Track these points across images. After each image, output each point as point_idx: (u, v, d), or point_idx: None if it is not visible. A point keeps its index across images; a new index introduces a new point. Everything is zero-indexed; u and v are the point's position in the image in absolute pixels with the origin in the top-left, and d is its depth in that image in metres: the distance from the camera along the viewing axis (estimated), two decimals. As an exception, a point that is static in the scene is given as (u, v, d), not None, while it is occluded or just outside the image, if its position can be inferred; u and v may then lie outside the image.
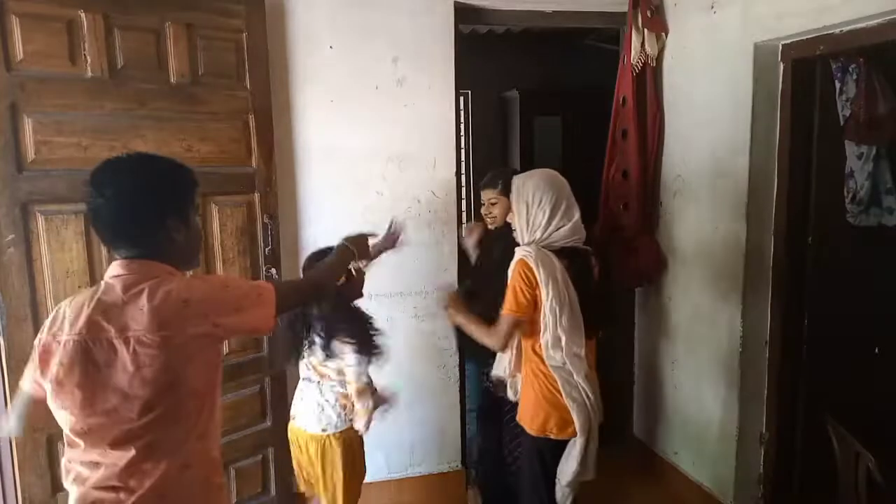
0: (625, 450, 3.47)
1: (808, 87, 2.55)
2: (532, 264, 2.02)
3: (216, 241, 2.52)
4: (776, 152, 2.59)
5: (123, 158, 1.39)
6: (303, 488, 2.32)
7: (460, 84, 2.99)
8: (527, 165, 5.28)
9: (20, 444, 2.14)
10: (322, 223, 2.82)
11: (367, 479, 2.39)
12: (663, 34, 3.02)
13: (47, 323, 1.38)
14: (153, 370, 1.28)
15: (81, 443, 1.34)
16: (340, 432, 2.16)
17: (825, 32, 2.28)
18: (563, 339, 2.03)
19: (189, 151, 2.41)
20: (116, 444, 1.31)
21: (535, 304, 2.05)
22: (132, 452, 1.31)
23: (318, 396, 2.16)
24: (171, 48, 2.36)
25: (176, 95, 2.37)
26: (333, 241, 2.40)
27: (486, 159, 5.45)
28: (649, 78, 3.07)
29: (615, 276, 3.39)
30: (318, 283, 1.74)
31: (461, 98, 3.18)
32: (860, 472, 2.05)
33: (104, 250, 2.25)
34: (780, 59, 2.53)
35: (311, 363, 2.17)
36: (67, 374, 1.30)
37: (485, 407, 2.89)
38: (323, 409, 2.15)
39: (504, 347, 2.14)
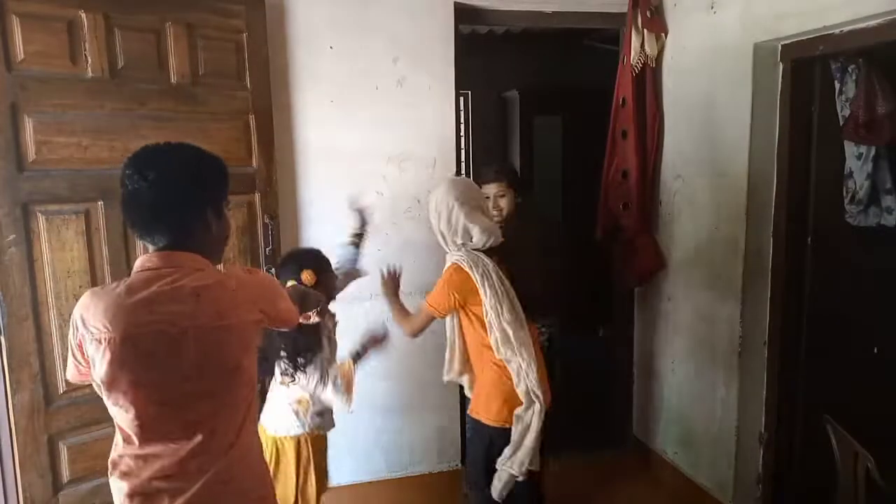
0: (624, 450, 3.47)
1: (808, 87, 2.56)
2: (466, 268, 2.12)
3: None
4: (775, 152, 2.59)
5: (169, 145, 1.37)
6: None
7: (460, 84, 3.00)
8: (527, 165, 5.30)
9: (21, 443, 2.14)
10: (322, 223, 2.82)
11: (366, 479, 2.38)
12: (663, 34, 3.02)
13: (78, 324, 1.33)
14: (215, 358, 1.31)
15: (137, 439, 1.32)
16: (290, 437, 2.10)
17: (825, 33, 2.28)
18: (511, 332, 2.12)
19: (189, 151, 2.41)
20: (178, 435, 1.31)
21: (459, 306, 2.19)
22: (196, 440, 1.31)
23: (283, 405, 2.12)
24: (172, 48, 2.36)
25: (176, 95, 2.38)
26: (332, 240, 2.43)
27: (487, 159, 5.45)
28: (649, 78, 3.07)
29: (615, 276, 3.41)
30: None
31: (461, 98, 3.18)
32: (859, 472, 2.05)
33: (105, 250, 2.26)
34: (779, 59, 2.53)
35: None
36: (119, 373, 1.27)
37: None
38: (282, 415, 2.11)
39: (414, 335, 2.30)
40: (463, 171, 4.42)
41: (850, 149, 2.64)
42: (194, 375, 1.30)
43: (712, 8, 2.71)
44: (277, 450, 2.11)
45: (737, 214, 2.64)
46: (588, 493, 3.13)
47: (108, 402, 1.33)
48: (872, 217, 2.65)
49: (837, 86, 2.57)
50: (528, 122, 5.27)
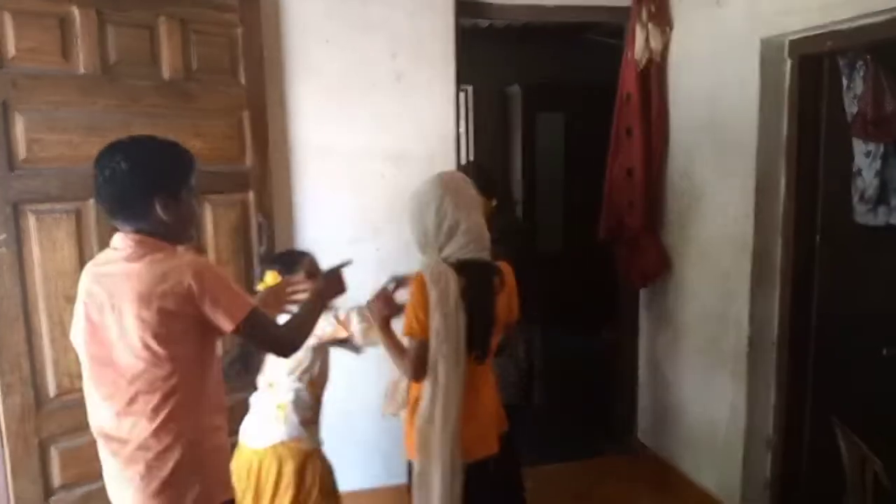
0: (629, 454, 3.44)
1: (816, 83, 2.52)
2: (426, 281, 1.84)
3: (210, 241, 2.49)
4: (783, 150, 2.56)
5: (121, 141, 1.52)
6: None
7: (461, 79, 2.96)
8: (529, 163, 5.26)
9: (12, 448, 2.12)
10: (318, 222, 2.79)
11: (364, 487, 2.35)
12: (668, 29, 2.98)
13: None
14: (132, 333, 1.42)
15: (88, 390, 1.54)
16: (276, 445, 2.06)
17: (833, 28, 2.25)
18: (441, 365, 1.82)
19: (183, 149, 2.38)
20: (105, 396, 1.49)
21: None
22: (118, 407, 1.47)
23: (263, 415, 2.09)
24: (165, 44, 2.33)
25: (169, 92, 2.34)
26: (331, 240, 2.40)
27: (487, 156, 5.41)
28: (654, 74, 3.02)
29: (620, 276, 3.37)
30: (288, 340, 1.65)
31: (461, 94, 3.14)
32: (868, 476, 2.02)
33: (96, 250, 2.22)
34: (786, 54, 2.50)
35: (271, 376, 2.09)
36: (77, 332, 1.53)
37: None
38: (264, 425, 2.07)
39: (417, 376, 1.88)
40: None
41: (858, 146, 2.59)
42: (116, 345, 1.45)
43: (718, 2, 2.67)
44: (259, 465, 2.04)
45: (744, 213, 2.60)
46: (592, 498, 3.09)
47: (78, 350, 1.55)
48: (882, 216, 2.60)
49: (845, 82, 2.52)
50: (530, 118, 5.23)
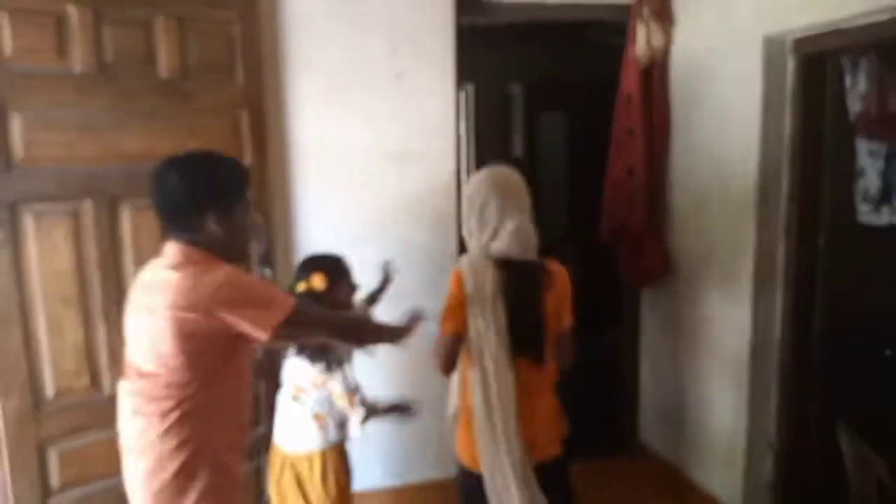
0: (631, 456, 3.42)
1: (819, 82, 2.50)
2: (462, 276, 1.81)
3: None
4: (786, 149, 2.53)
5: (178, 155, 1.58)
6: None
7: (461, 78, 2.94)
8: (530, 162, 5.24)
9: (11, 450, 2.12)
10: (317, 221, 2.77)
11: (363, 488, 2.34)
12: (670, 27, 2.96)
13: None
14: (162, 340, 1.45)
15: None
16: (311, 453, 2.07)
17: (837, 26, 2.23)
18: (489, 362, 1.79)
19: (179, 148, 2.33)
20: (138, 408, 1.53)
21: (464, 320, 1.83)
22: (140, 415, 1.52)
23: (295, 421, 2.09)
24: (162, 42, 2.31)
25: (166, 91, 2.33)
26: (331, 239, 2.39)
27: (488, 156, 5.40)
28: (656, 73, 3.00)
29: (622, 276, 3.35)
30: (345, 330, 1.74)
31: (462, 92, 3.13)
32: (871, 479, 2.01)
33: (94, 250, 2.22)
34: (790, 53, 2.47)
35: (295, 381, 2.09)
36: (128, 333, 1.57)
37: None
38: (298, 432, 2.08)
39: (448, 370, 1.87)
40: (464, 168, 4.38)
41: (861, 146, 2.58)
42: (147, 349, 1.49)
43: None
44: (300, 469, 2.07)
45: (747, 213, 2.58)
46: (594, 501, 3.07)
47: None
48: (885, 215, 2.60)
49: (849, 81, 2.51)
50: (531, 117, 5.22)
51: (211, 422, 1.54)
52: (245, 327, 1.47)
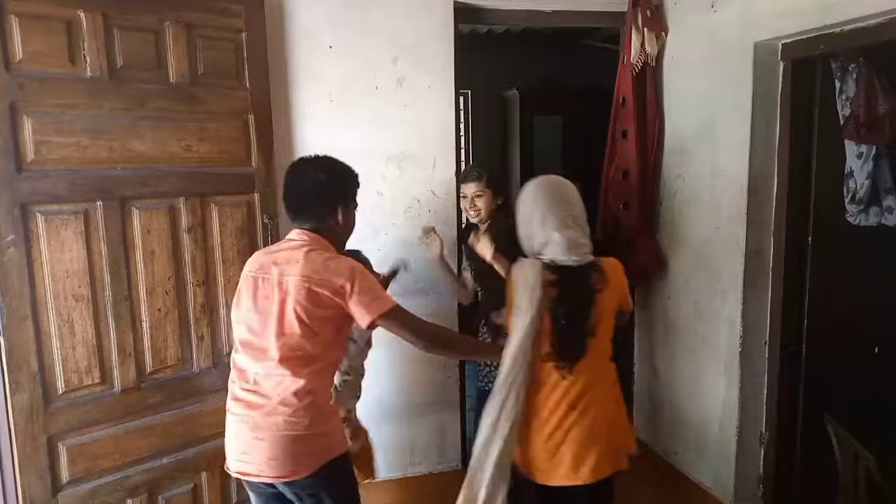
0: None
1: (808, 86, 2.56)
2: (514, 276, 1.87)
3: (215, 242, 2.52)
4: (776, 152, 2.59)
5: (314, 156, 1.95)
6: None
7: (460, 84, 2.99)
8: (527, 165, 5.30)
9: (21, 444, 2.13)
10: (322, 223, 2.81)
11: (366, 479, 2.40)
12: (663, 33, 3.02)
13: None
14: (293, 308, 1.74)
15: (238, 351, 1.86)
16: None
17: (825, 32, 2.28)
18: (512, 366, 1.81)
19: (188, 151, 2.41)
20: (261, 357, 1.79)
21: None
22: (271, 367, 1.78)
23: None
24: (171, 48, 2.35)
25: (175, 95, 2.37)
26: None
27: (487, 159, 5.45)
28: (649, 78, 3.06)
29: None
30: (428, 338, 1.88)
31: (461, 98, 3.18)
32: (860, 472, 2.04)
33: (104, 250, 2.25)
34: (780, 58, 2.53)
35: None
36: (243, 300, 1.87)
37: (477, 409, 2.93)
38: None
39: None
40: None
41: (850, 148, 2.63)
42: (277, 315, 1.76)
43: (713, 7, 2.71)
44: None
45: (737, 214, 2.64)
46: (588, 494, 3.11)
47: (233, 319, 1.91)
48: (873, 216, 2.64)
49: (838, 85, 2.56)
50: (528, 121, 5.26)
51: (328, 379, 1.87)
52: (358, 312, 1.76)
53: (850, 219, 2.65)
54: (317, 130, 2.80)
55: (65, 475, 2.23)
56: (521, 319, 1.80)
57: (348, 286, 1.75)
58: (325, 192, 1.88)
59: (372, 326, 1.79)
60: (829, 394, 2.57)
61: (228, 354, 2.55)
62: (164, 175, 2.37)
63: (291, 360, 1.76)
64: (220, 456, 2.21)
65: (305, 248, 1.79)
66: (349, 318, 1.81)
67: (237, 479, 1.92)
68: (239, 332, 1.87)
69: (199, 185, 2.45)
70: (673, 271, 3.10)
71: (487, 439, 1.81)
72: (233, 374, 1.88)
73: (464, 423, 3.19)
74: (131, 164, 2.29)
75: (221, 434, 2.52)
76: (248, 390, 1.82)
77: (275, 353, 1.77)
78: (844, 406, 2.34)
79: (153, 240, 2.36)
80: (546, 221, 1.85)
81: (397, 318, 1.81)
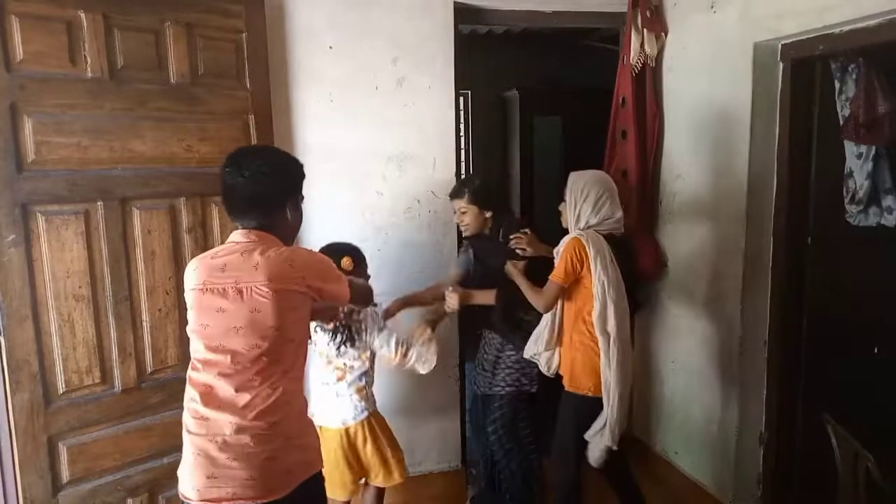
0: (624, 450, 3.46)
1: (808, 86, 2.56)
2: (584, 242, 2.31)
3: (216, 242, 2.52)
4: (775, 152, 2.59)
5: (258, 147, 1.86)
6: (342, 496, 2.41)
7: (460, 84, 3.00)
8: (527, 166, 5.31)
9: (21, 444, 2.13)
10: (322, 223, 2.82)
11: (364, 480, 2.41)
12: (663, 34, 3.02)
13: (185, 282, 1.73)
14: (260, 314, 1.60)
15: (196, 371, 1.67)
16: (362, 421, 2.38)
17: (825, 32, 2.29)
18: (611, 308, 2.28)
19: (189, 151, 2.41)
20: (227, 373, 1.62)
21: (577, 277, 2.34)
22: (241, 382, 1.62)
23: (334, 397, 2.36)
24: (171, 48, 2.35)
25: (176, 95, 2.37)
26: (334, 240, 2.43)
27: (486, 159, 5.46)
28: (648, 78, 3.07)
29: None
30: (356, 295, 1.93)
31: (461, 98, 3.18)
32: (860, 471, 2.05)
33: (104, 251, 2.25)
34: (779, 58, 2.54)
35: (336, 364, 2.37)
36: (196, 315, 1.67)
37: (473, 411, 2.97)
38: (341, 407, 2.36)
39: (548, 309, 2.44)
40: (463, 172, 4.43)
41: (850, 148, 2.62)
42: (242, 325, 1.60)
43: (712, 7, 2.71)
44: (351, 440, 2.38)
45: (737, 214, 2.64)
46: (586, 491, 3.11)
47: (190, 335, 1.71)
48: (872, 217, 2.64)
49: (837, 85, 2.56)
50: (528, 121, 5.27)
51: (302, 384, 1.76)
52: (335, 294, 1.74)
53: (849, 219, 2.65)
54: (317, 131, 2.81)
55: (65, 475, 2.23)
56: (608, 279, 2.28)
57: (320, 274, 1.70)
58: (272, 189, 1.70)
59: (352, 301, 1.84)
60: (828, 394, 2.57)
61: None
62: (164, 175, 2.37)
63: (263, 371, 1.62)
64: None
65: (259, 249, 1.63)
66: (309, 312, 1.73)
67: None
68: (197, 350, 1.67)
69: (200, 185, 2.45)
70: (672, 271, 3.10)
71: (625, 377, 2.32)
72: (191, 393, 1.68)
73: (464, 423, 3.20)
74: (132, 165, 2.29)
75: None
76: (215, 408, 1.63)
77: (245, 365, 1.62)
78: (844, 406, 2.34)
79: (154, 240, 2.36)
80: (609, 202, 2.37)
81: (356, 290, 1.87)
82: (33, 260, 2.14)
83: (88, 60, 2.20)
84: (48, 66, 2.14)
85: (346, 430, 2.36)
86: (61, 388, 2.20)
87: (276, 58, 2.69)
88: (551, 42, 4.91)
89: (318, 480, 1.77)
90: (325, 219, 2.83)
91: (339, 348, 2.32)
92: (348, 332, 2.33)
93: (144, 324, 2.36)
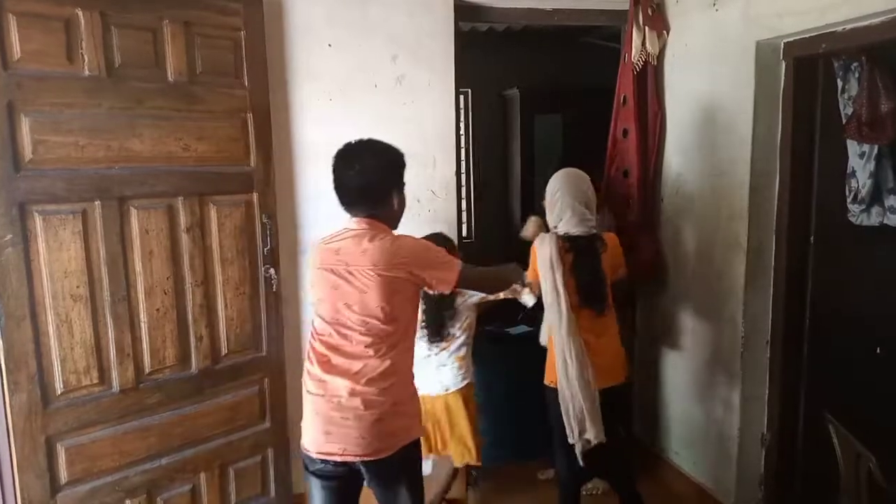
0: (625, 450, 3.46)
1: (810, 85, 2.55)
2: (534, 247, 2.43)
3: (214, 241, 2.52)
4: (778, 151, 2.58)
5: (362, 140, 1.89)
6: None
7: (460, 82, 2.99)
8: (527, 164, 5.29)
9: (19, 445, 2.13)
10: (321, 221, 2.80)
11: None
12: (664, 32, 3.01)
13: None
14: (366, 296, 1.78)
15: (316, 341, 1.88)
16: (459, 389, 2.60)
17: (827, 30, 2.28)
18: (548, 310, 2.41)
19: (186, 150, 2.40)
20: (336, 344, 1.83)
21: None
22: (348, 352, 1.82)
23: (436, 367, 2.60)
24: (169, 46, 2.34)
25: (173, 94, 2.36)
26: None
27: (487, 158, 5.44)
28: (650, 76, 3.06)
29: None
30: (488, 282, 2.13)
31: (461, 96, 3.17)
32: (861, 472, 2.04)
33: (102, 250, 2.24)
34: (782, 57, 2.52)
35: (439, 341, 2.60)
36: (314, 290, 1.91)
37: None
38: (443, 374, 2.60)
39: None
40: (463, 171, 4.41)
41: (852, 147, 2.61)
42: (354, 303, 1.79)
43: (714, 5, 2.70)
44: (448, 407, 2.61)
45: (739, 213, 2.63)
46: (588, 493, 3.11)
47: (313, 309, 1.94)
48: (875, 216, 2.63)
49: (840, 84, 2.55)
50: (528, 120, 5.25)
51: (410, 358, 1.92)
52: (436, 282, 1.83)
53: (851, 218, 2.64)
54: (316, 129, 2.79)
55: (63, 476, 2.23)
56: (546, 283, 2.38)
57: (422, 262, 1.82)
58: (379, 180, 1.87)
59: (455, 287, 1.88)
60: (830, 394, 2.56)
61: (227, 355, 2.58)
62: (162, 174, 2.36)
63: (374, 344, 1.80)
64: (219, 456, 2.20)
65: (369, 236, 1.80)
66: (418, 297, 1.90)
67: (316, 460, 1.86)
68: (318, 322, 1.89)
69: (198, 184, 2.44)
70: (674, 270, 3.09)
71: (566, 369, 2.37)
72: (312, 359, 1.88)
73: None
74: (129, 164, 2.29)
75: (220, 434, 2.55)
76: (333, 373, 1.83)
77: (357, 338, 1.81)
78: (846, 406, 2.33)
79: (151, 239, 2.35)
80: (564, 199, 2.42)
81: (467, 279, 1.91)
82: (31, 260, 2.13)
83: (86, 59, 2.19)
84: (45, 65, 2.13)
85: (447, 397, 2.59)
86: (59, 388, 2.20)
87: (275, 56, 2.68)
88: (552, 40, 4.89)
89: (417, 446, 1.94)
90: (325, 218, 2.80)
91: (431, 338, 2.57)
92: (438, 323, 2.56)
93: (142, 324, 2.35)
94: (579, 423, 2.38)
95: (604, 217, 2.96)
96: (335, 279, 1.82)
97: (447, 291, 1.88)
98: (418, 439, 1.94)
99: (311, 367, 1.89)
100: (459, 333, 2.61)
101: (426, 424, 2.54)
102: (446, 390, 2.60)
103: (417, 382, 2.49)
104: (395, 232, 1.92)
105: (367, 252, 1.78)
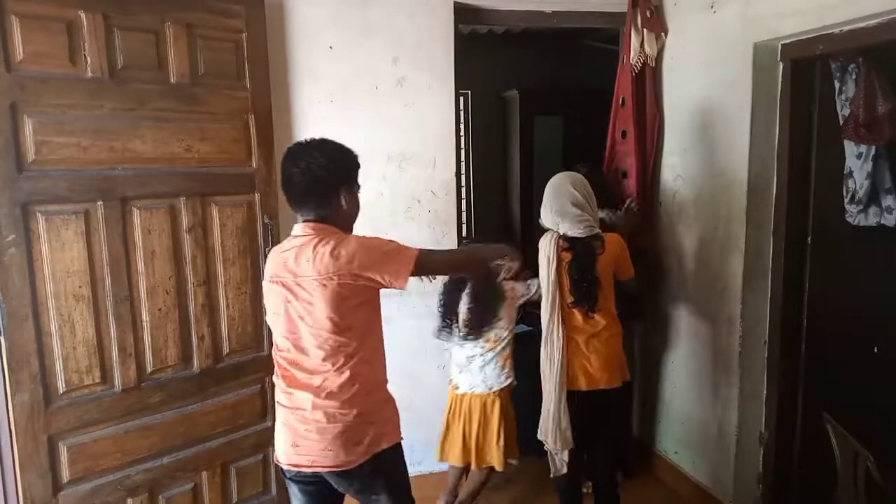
0: (624, 449, 3.46)
1: (808, 86, 2.56)
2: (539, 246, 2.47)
3: (216, 242, 2.53)
4: (775, 152, 2.59)
5: (311, 140, 1.82)
6: (461, 462, 2.77)
7: (460, 84, 3.00)
8: (527, 165, 5.30)
9: (21, 444, 2.14)
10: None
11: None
12: (662, 34, 3.03)
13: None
14: (316, 306, 1.71)
15: (277, 360, 1.84)
16: (501, 389, 2.72)
17: (825, 32, 2.29)
18: (542, 306, 2.46)
19: (189, 151, 2.41)
20: (305, 362, 1.78)
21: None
22: (305, 370, 1.78)
23: (480, 366, 2.70)
24: (171, 48, 2.36)
25: (176, 95, 2.37)
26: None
27: (486, 159, 5.45)
28: (648, 78, 3.07)
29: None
30: (458, 262, 2.09)
31: (461, 98, 3.18)
32: (859, 471, 2.05)
33: (105, 250, 2.25)
34: (779, 58, 2.54)
35: (487, 336, 2.68)
36: (269, 305, 1.83)
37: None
38: (487, 374, 2.70)
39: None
40: (463, 172, 4.43)
41: (849, 148, 2.62)
42: (305, 316, 1.74)
43: (712, 7, 2.71)
44: (488, 406, 2.71)
45: (737, 214, 2.64)
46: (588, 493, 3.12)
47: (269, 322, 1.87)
48: (872, 217, 2.64)
49: (837, 85, 2.56)
50: (528, 121, 5.26)
51: (372, 366, 1.84)
52: (388, 279, 1.73)
53: (849, 219, 2.65)
54: (317, 130, 2.75)
55: (65, 475, 2.23)
56: (543, 279, 2.44)
57: (366, 263, 1.70)
58: (327, 179, 1.78)
59: (413, 274, 1.77)
60: (828, 393, 2.57)
61: (228, 355, 2.59)
62: (164, 175, 2.37)
63: (330, 357, 1.75)
64: (221, 455, 2.21)
65: (313, 244, 1.72)
66: (377, 299, 1.81)
67: (288, 470, 1.86)
68: (276, 335, 1.85)
69: (200, 185, 2.46)
70: (672, 271, 3.10)
71: (545, 366, 2.43)
72: (277, 370, 1.86)
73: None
74: (132, 165, 2.30)
75: (221, 433, 2.56)
76: (296, 387, 1.80)
77: (314, 352, 1.76)
78: (844, 406, 2.34)
79: (154, 240, 2.36)
80: (553, 208, 2.43)
81: (426, 265, 1.80)
82: (33, 260, 2.14)
83: (88, 60, 2.20)
84: (48, 66, 2.14)
85: (490, 396, 2.69)
86: (61, 387, 2.20)
87: (276, 57, 2.69)
88: (551, 42, 4.91)
89: (393, 451, 1.87)
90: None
91: (465, 337, 2.64)
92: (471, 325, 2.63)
93: (144, 324, 2.37)
94: (545, 423, 2.43)
95: (620, 214, 2.97)
96: (286, 293, 1.76)
97: (404, 286, 1.75)
98: (397, 444, 1.89)
99: (276, 380, 1.86)
100: (506, 334, 2.71)
101: (462, 426, 2.72)
102: (490, 389, 2.71)
103: (462, 383, 2.65)
104: (358, 233, 1.84)
105: (311, 261, 1.70)
